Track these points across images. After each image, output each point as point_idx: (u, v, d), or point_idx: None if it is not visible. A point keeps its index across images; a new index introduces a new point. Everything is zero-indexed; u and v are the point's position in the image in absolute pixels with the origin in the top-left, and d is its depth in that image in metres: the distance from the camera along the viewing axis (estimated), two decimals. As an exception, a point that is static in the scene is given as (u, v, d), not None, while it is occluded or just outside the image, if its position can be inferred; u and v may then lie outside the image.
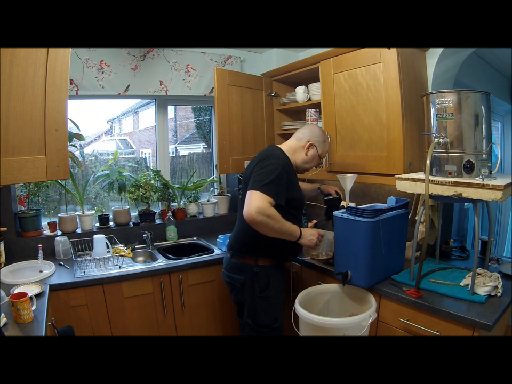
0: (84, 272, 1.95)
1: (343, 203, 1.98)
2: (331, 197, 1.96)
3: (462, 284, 1.54)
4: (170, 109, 2.95)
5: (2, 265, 1.92)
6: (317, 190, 2.08)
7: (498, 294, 1.45)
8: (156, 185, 2.68)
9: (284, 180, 1.60)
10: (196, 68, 2.70)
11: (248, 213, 1.51)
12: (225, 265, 1.83)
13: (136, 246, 2.47)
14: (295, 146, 1.79)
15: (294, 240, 1.63)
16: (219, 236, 2.42)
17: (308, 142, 1.76)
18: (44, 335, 1.27)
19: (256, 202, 1.51)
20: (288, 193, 1.63)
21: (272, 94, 2.68)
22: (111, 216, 2.57)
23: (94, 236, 2.17)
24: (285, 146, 1.80)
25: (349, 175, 1.91)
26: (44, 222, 2.38)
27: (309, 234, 1.67)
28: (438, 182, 1.46)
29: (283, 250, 1.69)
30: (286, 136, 2.43)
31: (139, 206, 2.69)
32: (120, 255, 2.19)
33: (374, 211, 1.55)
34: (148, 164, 3.01)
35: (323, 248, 2.04)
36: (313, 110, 2.49)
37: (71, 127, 2.21)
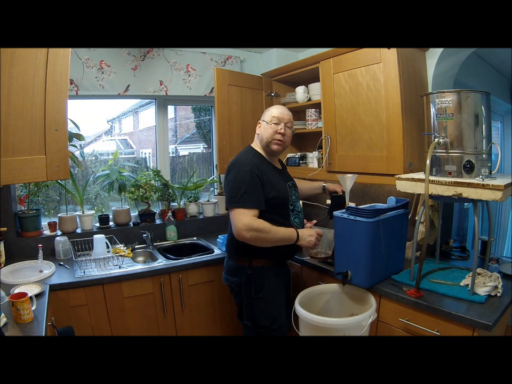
0: (84, 272, 1.95)
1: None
2: (338, 194, 1.96)
3: (462, 284, 1.54)
4: (170, 109, 2.95)
5: (2, 265, 1.92)
6: (321, 188, 2.07)
7: (498, 294, 1.45)
8: (156, 185, 2.68)
9: (257, 184, 1.59)
10: (196, 68, 2.70)
11: (237, 233, 1.54)
12: (224, 268, 1.85)
13: (136, 246, 2.47)
14: (255, 136, 1.81)
15: (293, 244, 1.63)
16: (219, 236, 2.42)
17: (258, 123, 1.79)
18: (44, 335, 1.27)
19: (241, 220, 1.52)
20: (266, 193, 1.62)
21: (272, 94, 2.68)
22: (111, 216, 2.56)
23: (94, 236, 2.17)
24: (254, 141, 1.83)
25: (349, 175, 1.90)
26: (44, 222, 2.38)
27: (307, 235, 1.67)
28: (438, 182, 1.46)
29: (277, 250, 1.66)
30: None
31: (139, 206, 2.69)
32: (120, 255, 2.19)
33: (374, 211, 1.55)
34: (148, 164, 3.01)
35: (322, 247, 2.04)
36: (313, 110, 2.49)
37: (71, 127, 2.21)
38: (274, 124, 1.71)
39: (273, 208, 1.65)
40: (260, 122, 1.78)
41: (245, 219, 1.52)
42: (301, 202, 2.43)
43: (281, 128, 1.71)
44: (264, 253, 1.65)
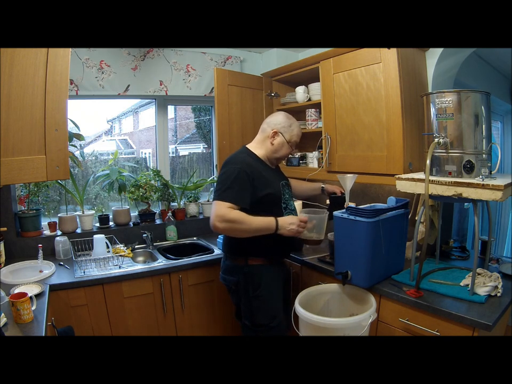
0: (84, 272, 1.95)
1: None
2: (337, 195, 1.96)
3: (462, 284, 1.54)
4: (170, 109, 2.95)
5: (2, 265, 1.92)
6: (320, 188, 2.06)
7: (498, 294, 1.45)
8: (156, 185, 2.68)
9: (244, 181, 1.59)
10: (196, 68, 2.70)
11: (211, 223, 1.55)
12: (221, 268, 1.85)
13: (136, 246, 2.47)
14: (261, 139, 1.79)
15: (274, 232, 1.61)
16: (219, 236, 2.42)
17: (272, 130, 1.74)
18: (44, 335, 1.27)
19: (215, 211, 1.54)
20: (258, 192, 1.62)
21: (272, 94, 2.68)
22: (111, 216, 2.57)
23: (94, 236, 2.17)
24: (253, 142, 1.82)
25: (349, 175, 1.90)
26: (44, 222, 2.38)
27: (288, 223, 1.62)
28: (438, 182, 1.46)
29: (272, 248, 1.66)
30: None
31: (139, 206, 2.69)
32: (120, 255, 2.19)
33: (374, 211, 1.55)
34: (148, 164, 3.01)
35: (313, 230, 2.03)
36: (313, 110, 2.49)
37: (71, 127, 2.21)
38: (291, 144, 1.77)
39: (266, 206, 1.65)
40: (277, 132, 1.73)
41: (219, 210, 1.53)
42: (300, 202, 2.44)
43: (294, 149, 1.81)
44: (260, 252, 1.66)
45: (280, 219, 1.62)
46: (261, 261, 1.69)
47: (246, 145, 1.81)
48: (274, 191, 1.70)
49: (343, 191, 1.96)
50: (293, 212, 1.82)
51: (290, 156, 2.66)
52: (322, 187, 2.06)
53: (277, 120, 1.76)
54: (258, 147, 1.78)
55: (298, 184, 2.13)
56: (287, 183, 1.86)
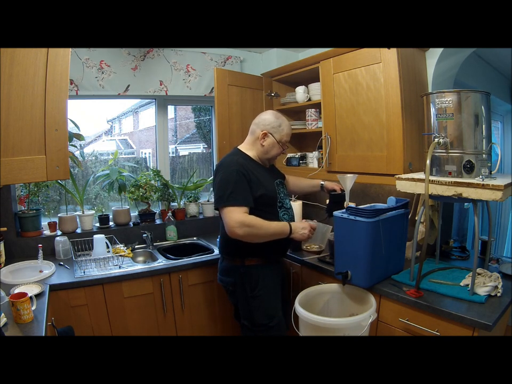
0: (84, 272, 1.95)
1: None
2: (336, 192, 1.96)
3: (462, 284, 1.54)
4: (170, 109, 2.95)
5: (2, 265, 1.92)
6: (319, 185, 2.04)
7: (498, 294, 1.45)
8: (156, 185, 2.68)
9: (244, 182, 1.59)
10: (196, 68, 2.70)
11: (230, 230, 1.54)
12: (218, 269, 1.86)
13: (136, 246, 2.47)
14: (251, 141, 1.77)
15: (286, 237, 1.64)
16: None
17: (262, 132, 1.72)
18: (44, 335, 1.27)
19: (232, 217, 1.53)
20: (253, 193, 1.62)
21: (272, 94, 2.68)
22: (111, 216, 2.57)
23: (94, 236, 2.17)
24: (244, 143, 1.81)
25: (349, 175, 1.90)
26: (44, 222, 2.38)
27: (301, 228, 1.67)
28: (438, 182, 1.46)
29: (268, 248, 1.66)
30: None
31: (139, 206, 2.69)
32: (120, 255, 2.19)
33: (374, 211, 1.55)
34: (148, 164, 3.01)
35: (315, 240, 2.05)
36: (313, 110, 2.49)
37: (71, 127, 2.21)
38: (283, 144, 1.76)
39: (262, 206, 1.65)
40: (267, 134, 1.71)
41: (236, 216, 1.53)
42: (300, 202, 2.44)
43: (285, 149, 1.79)
44: (256, 252, 1.67)
45: (293, 224, 1.67)
46: (257, 261, 1.69)
47: (238, 147, 1.80)
48: (268, 192, 1.70)
49: (342, 189, 1.95)
50: (289, 210, 1.82)
51: (288, 156, 2.67)
52: (322, 184, 2.05)
53: (266, 120, 1.74)
54: (249, 148, 1.77)
55: (297, 180, 2.12)
56: (281, 182, 1.86)
